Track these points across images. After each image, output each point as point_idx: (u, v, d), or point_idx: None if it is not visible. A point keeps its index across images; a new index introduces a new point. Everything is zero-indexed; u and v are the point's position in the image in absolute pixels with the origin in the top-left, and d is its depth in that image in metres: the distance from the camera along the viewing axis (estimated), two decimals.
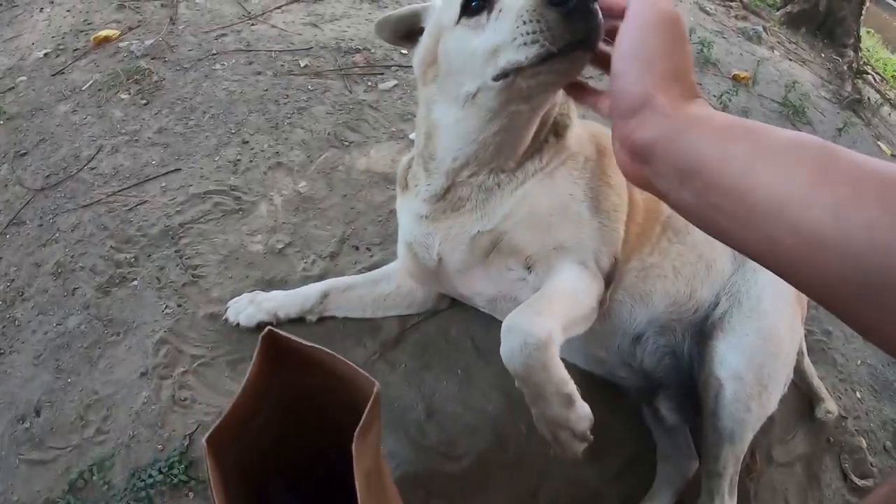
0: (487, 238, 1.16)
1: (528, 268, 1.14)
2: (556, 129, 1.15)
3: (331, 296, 1.47)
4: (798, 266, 0.45)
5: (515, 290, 1.20)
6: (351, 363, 0.79)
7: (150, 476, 1.22)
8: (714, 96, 2.64)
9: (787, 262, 0.46)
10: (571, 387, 0.93)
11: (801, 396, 1.57)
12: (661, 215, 1.26)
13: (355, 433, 0.69)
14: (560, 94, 1.08)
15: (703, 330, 1.25)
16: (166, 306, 1.50)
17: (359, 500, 0.66)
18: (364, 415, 0.72)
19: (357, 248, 1.66)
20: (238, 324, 1.44)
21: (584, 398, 1.39)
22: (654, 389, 1.31)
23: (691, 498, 1.31)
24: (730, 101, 2.55)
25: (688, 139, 0.54)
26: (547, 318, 0.95)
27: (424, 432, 1.36)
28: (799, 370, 1.47)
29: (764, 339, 1.18)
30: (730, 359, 1.17)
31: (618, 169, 1.05)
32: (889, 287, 0.39)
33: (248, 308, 1.44)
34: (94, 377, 1.40)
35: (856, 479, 1.49)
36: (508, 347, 0.93)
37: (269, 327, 0.82)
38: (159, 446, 1.27)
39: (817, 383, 1.55)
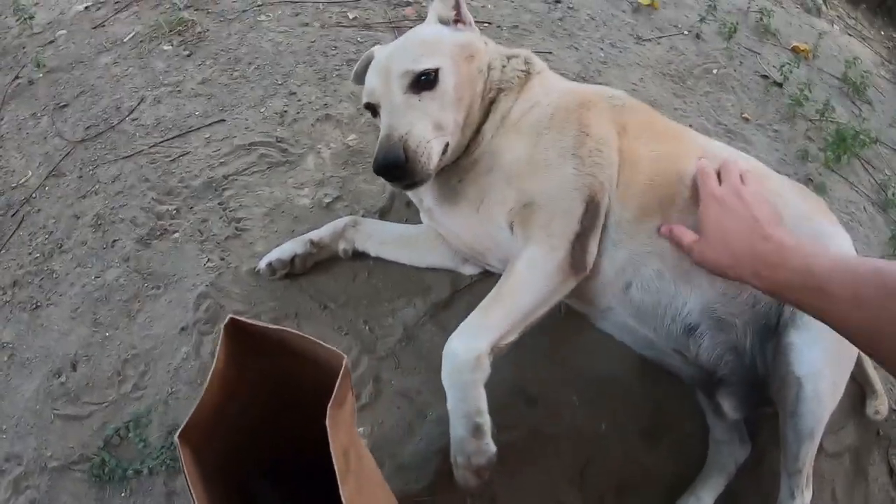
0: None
1: (510, 227, 1.15)
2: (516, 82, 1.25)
3: (362, 224, 1.42)
4: None
5: (505, 249, 1.19)
6: (317, 340, 0.75)
7: None
8: (774, 66, 2.44)
9: None
10: (483, 420, 0.97)
11: (853, 386, 1.43)
12: (686, 177, 1.15)
13: (328, 407, 0.67)
14: (516, 59, 1.28)
15: (768, 326, 1.15)
16: (208, 260, 1.41)
17: (337, 476, 0.64)
18: (335, 389, 0.68)
19: (409, 205, 1.54)
20: (271, 264, 1.34)
21: (641, 378, 1.33)
22: (714, 384, 1.21)
23: (740, 483, 1.26)
24: (790, 73, 2.33)
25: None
26: (482, 337, 1.01)
27: None
28: (857, 359, 1.36)
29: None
30: (809, 356, 1.09)
31: (600, 120, 1.20)
32: None
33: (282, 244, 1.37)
34: (133, 331, 1.32)
35: None
36: (445, 369, 1.01)
37: (230, 315, 0.76)
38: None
39: (873, 374, 1.43)
